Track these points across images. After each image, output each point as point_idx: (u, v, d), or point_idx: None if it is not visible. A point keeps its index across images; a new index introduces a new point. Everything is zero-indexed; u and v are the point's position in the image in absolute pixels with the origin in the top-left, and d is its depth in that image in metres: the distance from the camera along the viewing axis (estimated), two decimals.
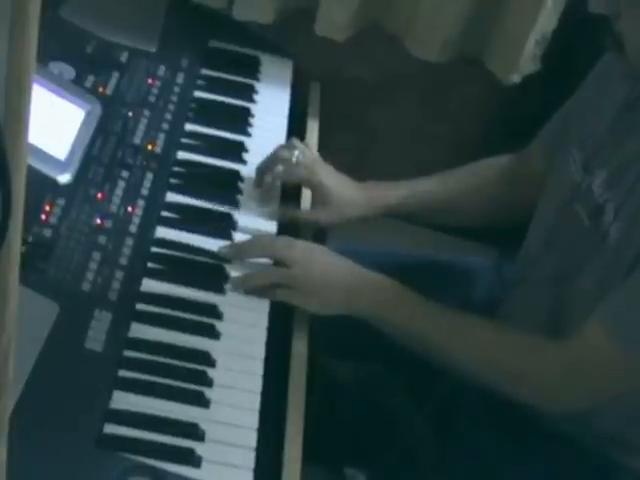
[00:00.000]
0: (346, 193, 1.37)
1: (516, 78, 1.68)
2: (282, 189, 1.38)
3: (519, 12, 1.62)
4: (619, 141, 1.15)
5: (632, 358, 1.07)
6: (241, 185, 1.34)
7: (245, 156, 1.40)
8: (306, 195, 1.39)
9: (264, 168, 1.36)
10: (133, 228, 1.18)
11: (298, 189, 1.40)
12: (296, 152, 1.35)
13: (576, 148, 1.22)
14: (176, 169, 1.32)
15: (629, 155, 1.13)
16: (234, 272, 1.19)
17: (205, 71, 1.54)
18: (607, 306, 1.08)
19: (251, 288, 1.17)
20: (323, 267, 1.19)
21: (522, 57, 1.66)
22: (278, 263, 1.20)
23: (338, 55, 1.73)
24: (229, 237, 1.24)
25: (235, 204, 1.31)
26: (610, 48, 1.12)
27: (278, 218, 1.32)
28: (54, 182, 1.16)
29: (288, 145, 1.38)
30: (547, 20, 1.64)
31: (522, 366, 1.14)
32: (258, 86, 1.56)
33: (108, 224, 1.16)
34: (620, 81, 1.18)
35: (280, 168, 1.35)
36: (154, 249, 1.18)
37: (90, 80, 1.35)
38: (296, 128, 1.52)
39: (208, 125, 1.43)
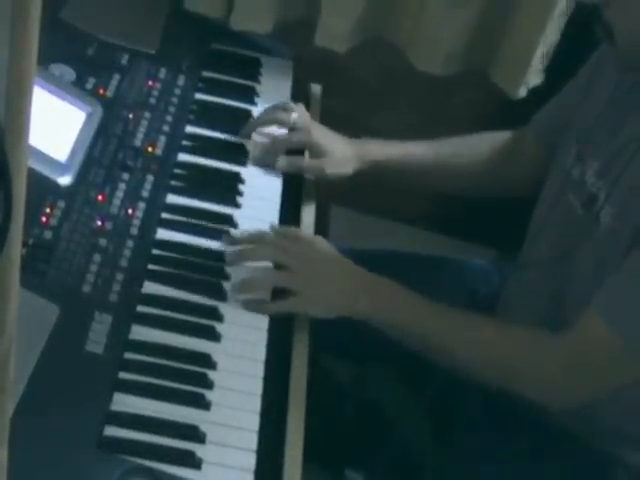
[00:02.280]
0: (340, 148, 1.41)
1: (522, 92, 1.66)
2: None
3: (526, 25, 1.59)
4: (611, 131, 1.16)
5: (631, 349, 1.07)
6: (242, 187, 1.34)
7: (245, 158, 1.40)
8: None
9: (258, 125, 1.41)
10: (134, 230, 1.18)
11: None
12: (294, 114, 1.39)
13: (573, 140, 1.23)
14: (177, 171, 1.32)
15: (620, 144, 1.13)
16: (235, 274, 1.18)
17: (206, 73, 1.54)
18: (604, 295, 1.09)
19: (251, 296, 1.15)
20: (325, 273, 1.19)
21: (529, 70, 1.62)
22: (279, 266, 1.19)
23: (339, 58, 1.73)
24: None
25: (236, 206, 1.30)
26: (600, 37, 1.13)
27: (284, 169, 1.37)
28: (55, 184, 1.16)
29: (284, 107, 1.42)
30: (554, 32, 1.62)
31: (523, 361, 1.14)
32: (259, 88, 1.56)
33: (109, 226, 1.16)
34: (611, 71, 1.19)
35: (281, 131, 1.40)
36: (155, 251, 1.18)
37: (91, 82, 1.35)
38: None
39: (209, 127, 1.43)
